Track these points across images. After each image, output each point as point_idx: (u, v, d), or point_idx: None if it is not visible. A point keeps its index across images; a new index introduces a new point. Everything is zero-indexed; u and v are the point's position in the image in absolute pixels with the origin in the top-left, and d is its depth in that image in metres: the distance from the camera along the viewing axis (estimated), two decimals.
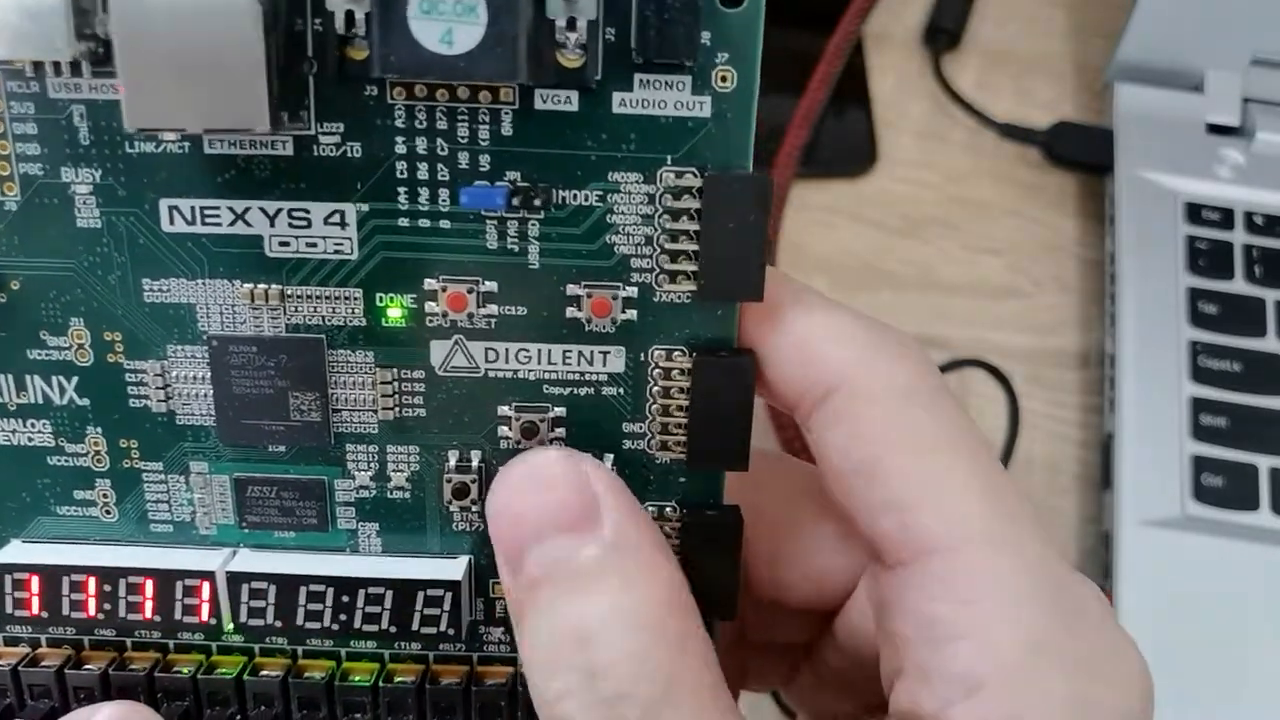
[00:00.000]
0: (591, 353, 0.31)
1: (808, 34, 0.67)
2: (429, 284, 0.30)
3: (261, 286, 0.30)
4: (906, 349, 0.30)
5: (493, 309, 0.30)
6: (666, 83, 0.28)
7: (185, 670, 0.33)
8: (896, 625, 0.29)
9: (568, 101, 0.29)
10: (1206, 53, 0.67)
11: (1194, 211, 0.63)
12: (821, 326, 0.30)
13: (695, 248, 0.29)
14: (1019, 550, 0.28)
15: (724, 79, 0.28)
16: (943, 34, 0.73)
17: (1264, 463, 0.57)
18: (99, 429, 0.32)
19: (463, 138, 0.29)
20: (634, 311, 0.30)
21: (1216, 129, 0.67)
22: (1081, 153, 0.69)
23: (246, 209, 0.29)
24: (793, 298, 0.31)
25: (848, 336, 0.30)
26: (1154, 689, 0.28)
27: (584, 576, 0.27)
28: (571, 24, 0.27)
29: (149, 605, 0.32)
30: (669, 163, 0.29)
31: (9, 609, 0.32)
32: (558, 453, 0.29)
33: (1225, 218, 0.63)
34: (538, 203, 0.29)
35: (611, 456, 0.31)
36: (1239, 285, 0.62)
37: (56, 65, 0.28)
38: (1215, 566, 0.55)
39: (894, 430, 0.29)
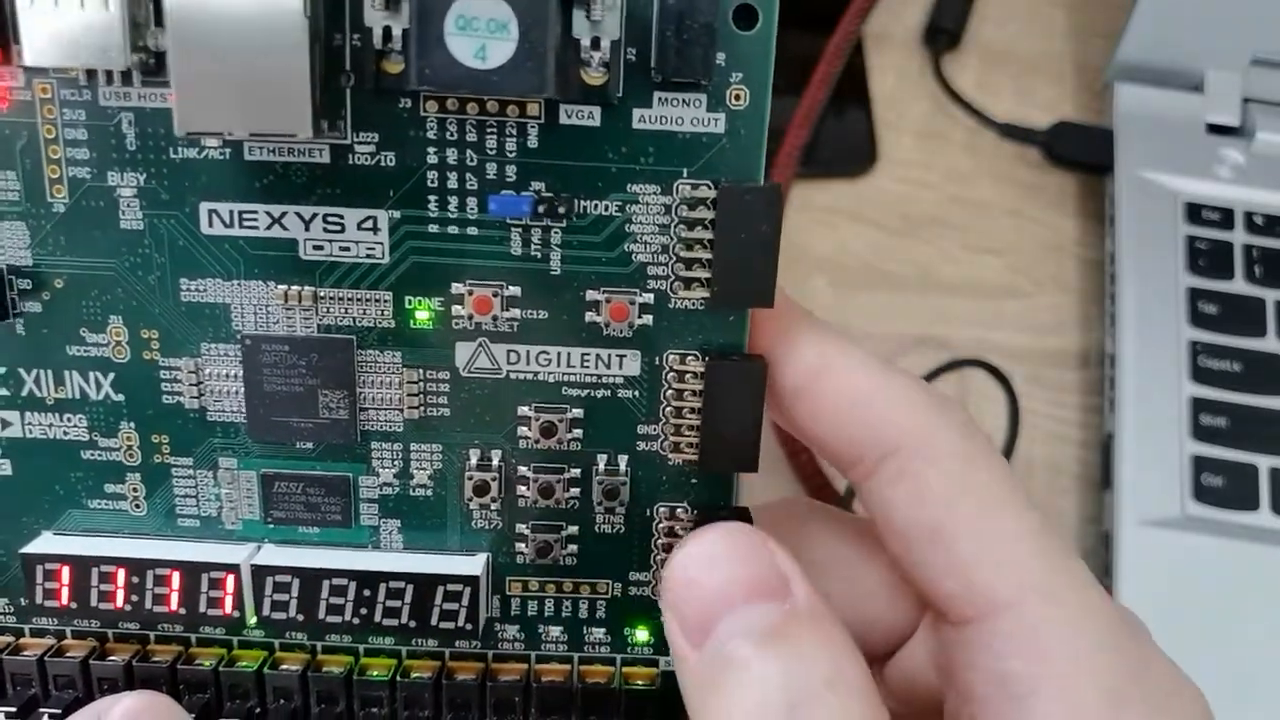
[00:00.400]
0: (609, 356, 0.33)
1: (808, 34, 0.69)
2: (456, 288, 0.33)
3: (295, 288, 0.33)
4: (958, 412, 0.33)
5: (516, 313, 0.33)
6: (684, 100, 0.31)
7: (207, 663, 0.36)
8: (968, 681, 0.31)
9: (590, 117, 0.31)
10: (1206, 53, 0.69)
11: (1194, 211, 0.65)
12: (882, 388, 0.32)
13: (709, 256, 0.32)
14: (1078, 600, 0.31)
15: (737, 97, 0.31)
16: (943, 34, 0.74)
17: (1264, 463, 0.58)
18: (132, 424, 0.34)
19: (491, 149, 0.32)
20: (650, 317, 0.33)
21: (1216, 129, 0.68)
22: (1081, 153, 0.70)
23: (283, 213, 0.32)
24: (844, 356, 0.33)
25: (908, 399, 0.32)
26: None
27: (788, 641, 0.28)
28: (596, 43, 0.30)
29: (175, 597, 0.34)
30: (685, 175, 0.32)
31: (39, 599, 0.34)
32: (739, 527, 0.30)
33: (1225, 218, 0.65)
34: (561, 211, 0.32)
35: (626, 458, 0.34)
36: (1239, 285, 0.63)
37: (109, 74, 0.31)
38: (1215, 566, 0.56)
39: (957, 492, 0.31)
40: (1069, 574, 0.31)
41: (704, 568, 0.29)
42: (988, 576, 0.31)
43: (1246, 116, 0.68)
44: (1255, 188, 0.66)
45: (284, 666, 0.36)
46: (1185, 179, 0.66)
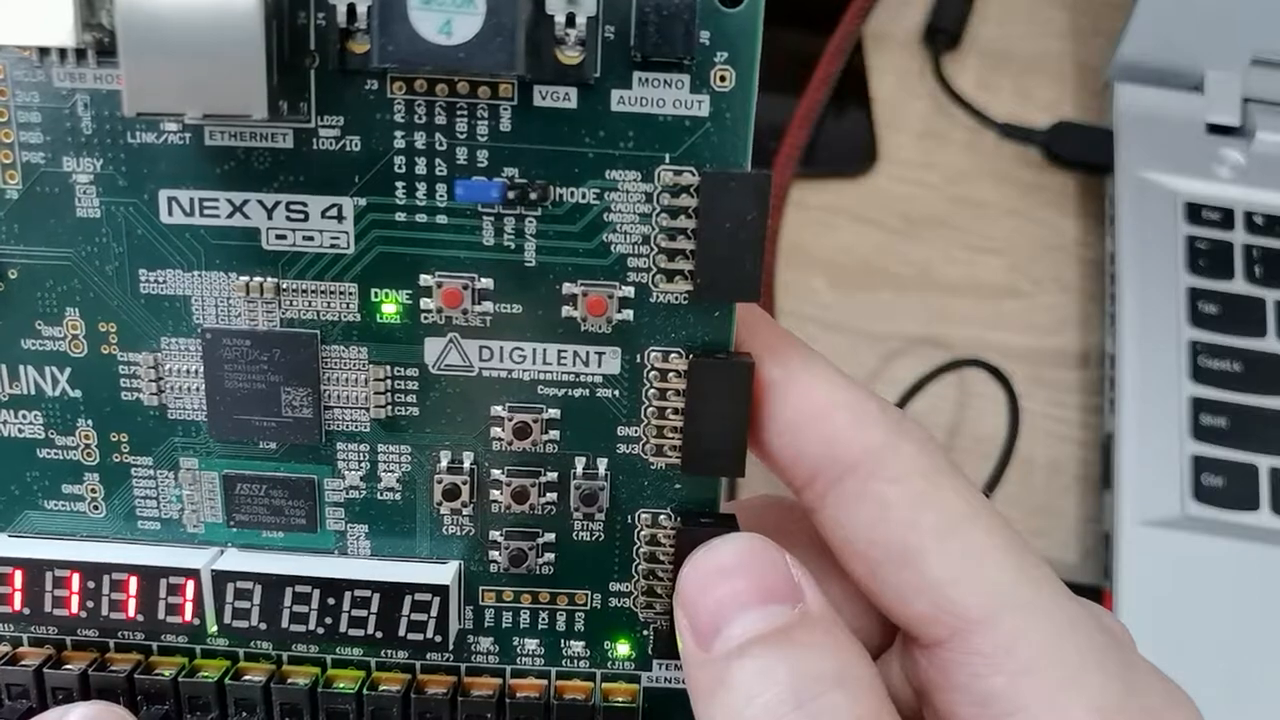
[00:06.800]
0: (587, 353, 0.30)
1: (808, 34, 0.67)
2: (424, 280, 0.30)
3: (257, 279, 0.30)
4: (917, 429, 0.30)
5: (488, 306, 0.30)
6: (665, 81, 0.28)
7: (167, 673, 0.33)
8: (948, 703, 0.29)
9: (566, 98, 0.28)
10: (1206, 53, 0.67)
11: (1194, 211, 0.63)
12: (842, 403, 0.30)
13: (692, 247, 0.29)
14: (1058, 612, 0.28)
15: (723, 78, 0.28)
16: (943, 34, 0.72)
17: (1264, 463, 0.57)
18: (90, 422, 0.31)
19: (461, 133, 0.29)
20: (630, 312, 0.30)
21: (1216, 129, 0.67)
22: (1081, 153, 0.68)
23: (245, 201, 0.29)
24: (807, 368, 0.30)
25: (867, 415, 0.30)
26: None
27: (798, 641, 0.27)
28: (571, 20, 0.27)
29: (132, 604, 0.32)
30: (667, 161, 0.29)
31: None
32: (757, 537, 0.29)
33: (1225, 218, 0.63)
34: (535, 199, 0.29)
35: (605, 461, 0.31)
36: (1239, 285, 0.61)
37: (62, 53, 0.28)
38: (1215, 566, 0.55)
39: (921, 509, 0.29)
40: (1044, 585, 0.29)
41: (720, 571, 0.29)
42: (960, 594, 0.29)
43: (1246, 116, 0.67)
44: (1255, 188, 0.65)
45: (247, 677, 0.33)
46: (1185, 179, 0.65)
